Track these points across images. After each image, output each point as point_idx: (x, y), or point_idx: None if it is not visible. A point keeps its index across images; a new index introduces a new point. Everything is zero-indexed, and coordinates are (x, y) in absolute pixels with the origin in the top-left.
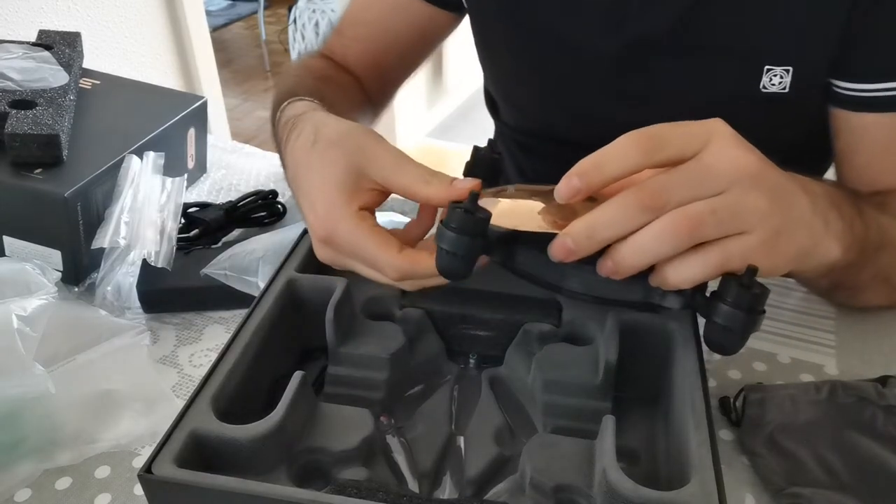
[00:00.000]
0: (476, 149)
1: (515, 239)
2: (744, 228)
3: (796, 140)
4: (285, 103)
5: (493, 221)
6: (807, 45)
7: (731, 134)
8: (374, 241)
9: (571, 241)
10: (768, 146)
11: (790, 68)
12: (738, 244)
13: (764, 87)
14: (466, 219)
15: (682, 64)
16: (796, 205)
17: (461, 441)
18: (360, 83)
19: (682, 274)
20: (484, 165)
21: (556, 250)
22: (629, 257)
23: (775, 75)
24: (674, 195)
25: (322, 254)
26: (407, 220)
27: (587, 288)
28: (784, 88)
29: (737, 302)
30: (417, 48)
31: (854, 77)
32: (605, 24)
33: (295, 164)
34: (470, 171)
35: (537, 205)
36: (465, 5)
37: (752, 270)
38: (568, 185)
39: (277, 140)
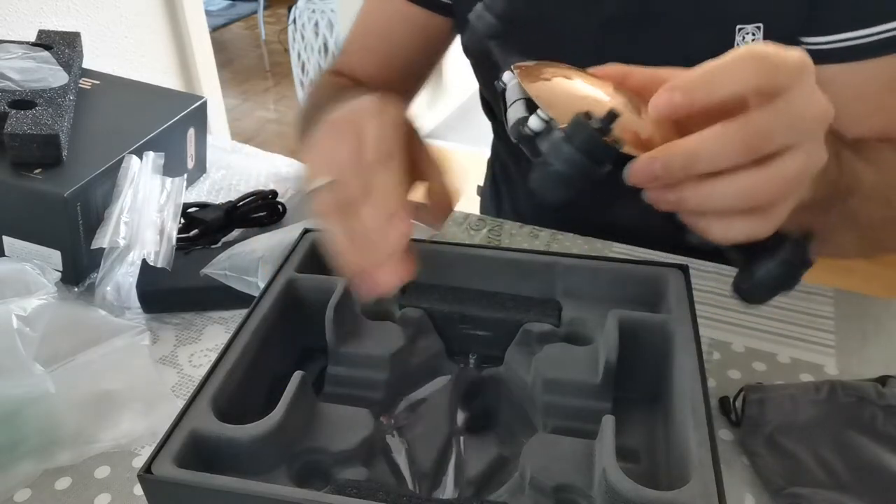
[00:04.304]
0: None
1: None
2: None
3: None
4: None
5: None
6: (774, 1)
7: (813, 71)
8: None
9: (661, 167)
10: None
11: (761, 25)
12: (787, 207)
13: (738, 47)
14: (593, 138)
15: (657, 37)
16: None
17: (461, 441)
18: None
19: (730, 233)
20: (501, 15)
21: (639, 174)
22: (698, 199)
23: (748, 34)
24: (775, 142)
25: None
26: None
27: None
28: None
29: (791, 265)
30: (422, 56)
31: (820, 31)
32: (583, 4)
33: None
34: (480, 14)
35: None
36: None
37: (809, 236)
38: (669, 101)
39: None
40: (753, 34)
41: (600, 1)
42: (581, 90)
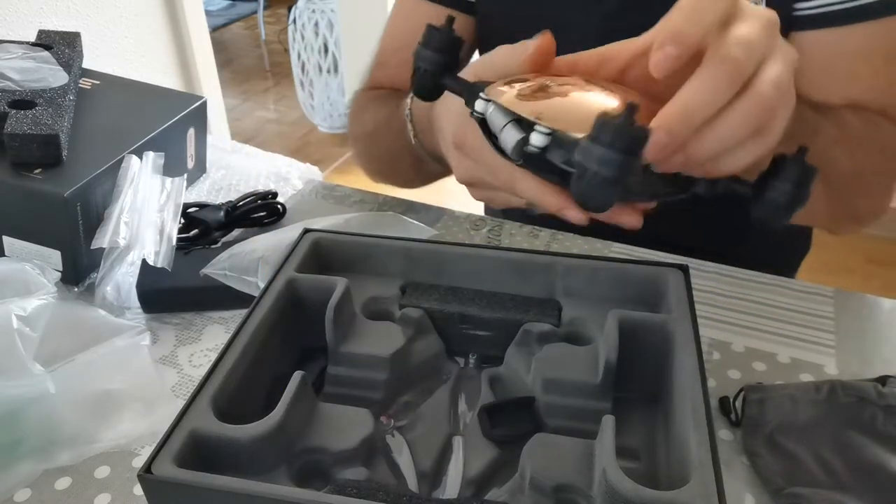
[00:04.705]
0: (430, 28)
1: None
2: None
3: None
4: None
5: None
6: None
7: None
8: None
9: (666, 134)
10: None
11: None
12: (783, 117)
13: None
14: (624, 132)
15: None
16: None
17: (461, 441)
18: None
19: (738, 162)
20: (440, 47)
21: (651, 151)
22: (704, 149)
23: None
24: (752, 63)
25: (457, 163)
26: (410, 220)
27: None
28: None
29: (797, 179)
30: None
31: None
32: (583, 2)
33: (438, 106)
34: (420, 54)
35: (582, 99)
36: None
37: (804, 149)
38: (666, 56)
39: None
40: (756, 2)
41: None
42: (575, 97)
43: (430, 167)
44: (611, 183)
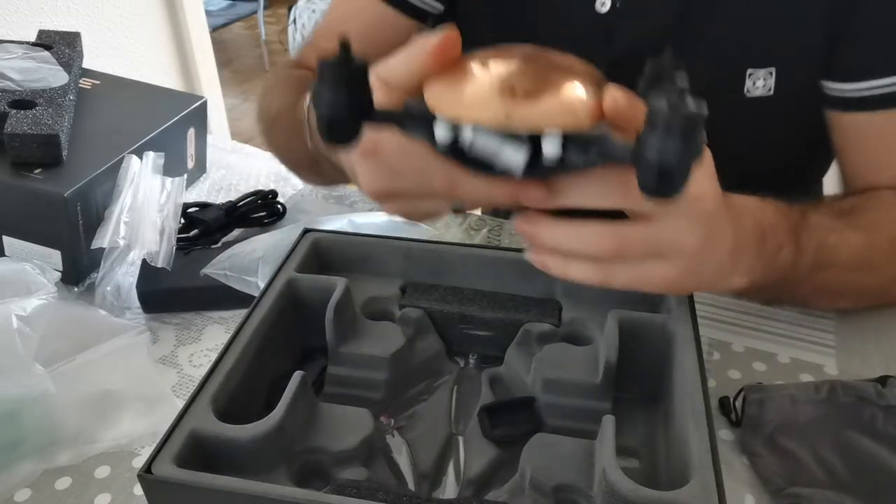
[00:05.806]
0: (324, 64)
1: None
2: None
3: (788, 140)
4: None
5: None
6: (788, 45)
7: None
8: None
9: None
10: (756, 148)
11: (773, 70)
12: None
13: (748, 92)
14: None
15: None
16: (714, 253)
17: (461, 441)
18: None
19: (579, 273)
20: (347, 83)
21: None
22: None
23: (759, 79)
24: (630, 256)
25: (367, 173)
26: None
27: None
28: (769, 91)
29: (677, 127)
30: None
31: (841, 77)
32: (592, 41)
33: None
34: (323, 98)
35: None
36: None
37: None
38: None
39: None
40: (765, 79)
41: (610, 38)
42: (548, 86)
43: (328, 171)
44: (337, 118)
